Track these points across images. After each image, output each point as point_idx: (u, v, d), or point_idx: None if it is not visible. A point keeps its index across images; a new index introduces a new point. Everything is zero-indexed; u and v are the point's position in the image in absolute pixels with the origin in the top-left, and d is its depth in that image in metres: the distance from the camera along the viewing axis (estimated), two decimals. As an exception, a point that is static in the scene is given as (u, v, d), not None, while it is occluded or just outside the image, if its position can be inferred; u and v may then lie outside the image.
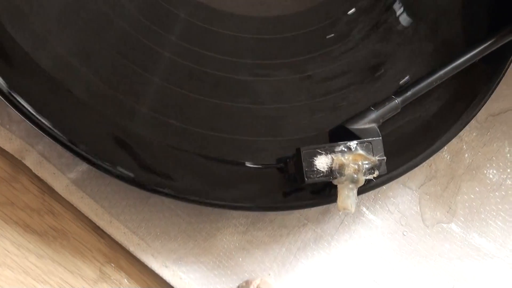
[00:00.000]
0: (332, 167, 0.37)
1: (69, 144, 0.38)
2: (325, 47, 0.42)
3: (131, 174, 0.38)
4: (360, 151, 0.38)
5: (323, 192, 0.39)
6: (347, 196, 0.37)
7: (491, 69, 0.43)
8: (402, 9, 0.43)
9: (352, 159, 0.37)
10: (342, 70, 0.42)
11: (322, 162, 0.37)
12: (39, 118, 0.38)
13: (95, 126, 0.39)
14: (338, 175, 0.37)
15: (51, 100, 0.38)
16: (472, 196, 0.45)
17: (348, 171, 0.37)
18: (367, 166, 0.38)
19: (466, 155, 0.45)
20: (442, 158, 0.45)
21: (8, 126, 0.40)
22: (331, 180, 0.37)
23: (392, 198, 0.44)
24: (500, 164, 0.46)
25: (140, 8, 0.41)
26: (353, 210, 0.37)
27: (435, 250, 0.44)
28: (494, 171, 0.46)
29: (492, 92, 0.43)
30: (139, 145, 0.39)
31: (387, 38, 0.43)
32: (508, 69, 0.44)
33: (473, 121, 0.45)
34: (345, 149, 0.37)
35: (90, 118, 0.39)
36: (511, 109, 0.47)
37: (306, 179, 0.37)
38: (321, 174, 0.37)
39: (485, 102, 0.43)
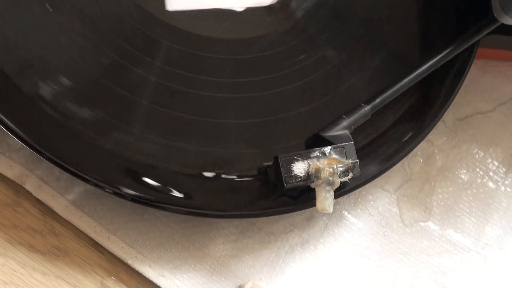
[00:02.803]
0: (309, 171, 0.37)
1: (68, 167, 0.37)
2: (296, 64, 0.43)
3: (127, 191, 0.38)
4: (334, 156, 0.38)
5: (304, 196, 0.39)
6: (324, 197, 0.37)
7: (453, 75, 0.43)
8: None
9: (327, 163, 0.37)
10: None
11: (299, 168, 0.37)
12: (38, 144, 0.37)
13: (90, 149, 0.39)
14: (315, 179, 0.37)
15: (47, 127, 0.38)
16: (446, 195, 0.45)
17: (324, 174, 0.37)
18: (341, 169, 0.38)
19: (438, 157, 0.46)
20: (416, 161, 0.45)
21: (8, 154, 0.40)
22: (309, 184, 0.37)
23: (372, 202, 0.44)
24: (470, 164, 0.46)
25: (126, 38, 0.41)
26: (331, 210, 0.37)
27: (415, 248, 0.43)
28: (465, 171, 0.46)
29: (456, 94, 0.43)
30: (132, 163, 0.39)
31: None
32: (470, 76, 0.45)
33: (442, 126, 0.46)
34: (320, 155, 0.38)
35: (84, 142, 0.39)
36: (476, 113, 0.47)
37: (285, 184, 0.37)
38: (299, 179, 0.37)
39: (450, 104, 0.43)
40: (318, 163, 0.37)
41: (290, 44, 0.43)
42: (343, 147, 0.38)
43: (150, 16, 0.42)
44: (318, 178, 0.37)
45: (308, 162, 0.37)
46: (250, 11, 0.43)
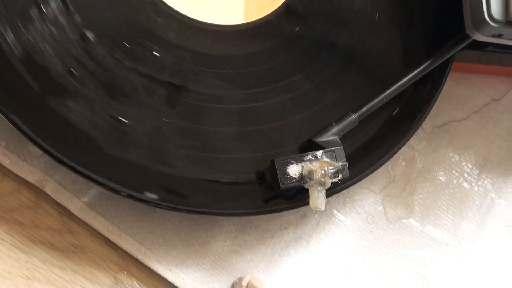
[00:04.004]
0: (302, 173, 0.38)
1: (83, 171, 0.38)
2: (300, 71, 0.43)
3: (137, 194, 0.38)
4: (325, 159, 0.38)
5: (298, 196, 0.40)
6: (317, 197, 0.38)
7: (431, 86, 0.44)
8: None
9: (319, 165, 0.38)
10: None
11: (294, 170, 0.38)
12: (57, 152, 0.38)
13: (104, 156, 0.39)
14: (308, 180, 0.38)
15: (65, 136, 0.39)
16: (426, 195, 0.46)
17: (316, 176, 0.38)
18: (332, 171, 0.38)
19: (418, 161, 0.46)
20: (399, 165, 0.46)
21: (29, 161, 0.40)
22: (302, 184, 0.38)
23: (359, 201, 0.44)
24: (447, 167, 0.46)
25: (136, 58, 0.42)
26: (323, 208, 0.38)
27: (398, 242, 0.44)
28: (442, 173, 0.46)
29: (433, 104, 0.44)
30: (142, 169, 0.39)
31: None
32: (446, 87, 0.45)
33: (421, 133, 0.46)
34: (313, 158, 0.38)
35: (98, 150, 0.39)
36: (452, 121, 0.48)
37: (281, 185, 0.37)
38: (294, 180, 0.38)
39: (428, 113, 0.43)
40: (311, 166, 0.38)
41: (286, 58, 0.43)
42: (333, 151, 0.38)
43: (161, 38, 0.42)
44: (311, 179, 0.37)
45: (302, 165, 0.38)
46: (250, 28, 0.44)
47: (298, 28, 0.45)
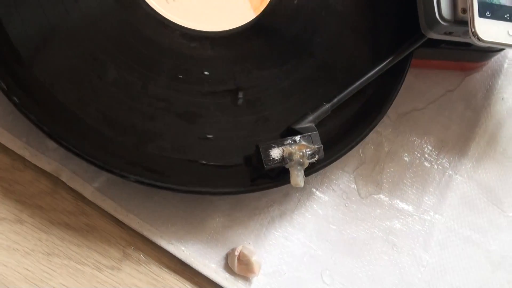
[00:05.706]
0: (283, 155, 0.39)
1: (93, 160, 0.39)
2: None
3: (142, 178, 0.39)
4: (303, 142, 0.39)
5: (280, 176, 0.40)
6: (297, 175, 0.39)
7: (394, 80, 0.45)
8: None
9: (297, 148, 0.39)
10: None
11: (276, 153, 0.39)
12: (71, 145, 0.39)
13: (111, 146, 0.40)
14: (288, 161, 0.39)
15: (78, 131, 0.40)
16: (393, 173, 0.47)
17: (296, 157, 0.39)
18: (309, 152, 0.39)
19: (385, 144, 0.47)
20: (368, 148, 0.47)
21: (46, 153, 0.41)
22: (284, 165, 0.39)
23: (334, 180, 0.45)
24: (410, 149, 0.47)
25: (138, 60, 0.43)
26: (302, 185, 0.39)
27: (370, 215, 0.45)
28: (406, 154, 0.47)
29: (396, 95, 0.45)
30: (145, 156, 0.39)
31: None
32: (407, 81, 0.46)
33: (387, 120, 0.47)
34: (292, 142, 0.39)
35: (106, 142, 0.40)
36: (414, 110, 0.48)
37: (265, 166, 0.39)
38: (276, 161, 0.39)
39: (392, 103, 0.44)
40: (290, 149, 0.39)
41: (266, 58, 0.44)
42: (310, 135, 0.39)
43: (157, 44, 0.43)
44: (291, 160, 0.38)
45: (283, 148, 0.39)
46: (236, 33, 0.45)
47: (277, 32, 0.46)
